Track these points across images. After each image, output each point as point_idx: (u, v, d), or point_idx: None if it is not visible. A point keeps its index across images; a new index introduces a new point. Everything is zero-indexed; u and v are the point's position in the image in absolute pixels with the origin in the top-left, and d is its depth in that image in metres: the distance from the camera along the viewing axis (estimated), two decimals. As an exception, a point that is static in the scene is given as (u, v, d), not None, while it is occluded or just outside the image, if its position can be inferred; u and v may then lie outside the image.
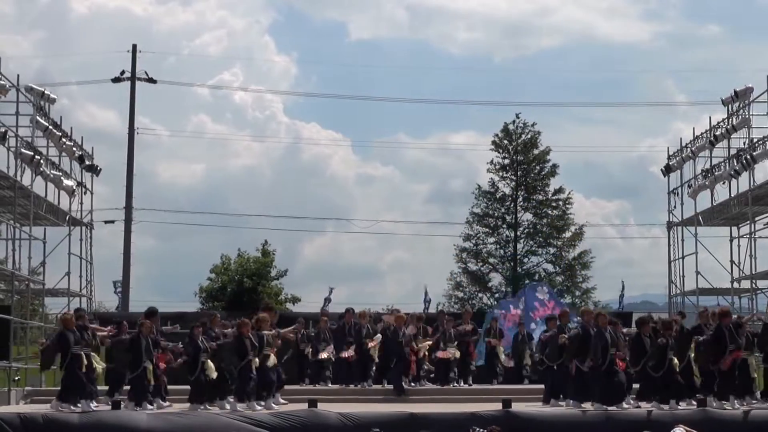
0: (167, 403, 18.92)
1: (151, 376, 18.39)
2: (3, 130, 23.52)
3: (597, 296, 46.28)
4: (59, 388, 18.33)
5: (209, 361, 18.44)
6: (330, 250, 77.90)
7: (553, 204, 46.20)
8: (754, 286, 27.77)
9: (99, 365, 18.94)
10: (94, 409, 17.63)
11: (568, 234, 46.07)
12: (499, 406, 17.84)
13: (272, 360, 18.82)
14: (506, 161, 46.39)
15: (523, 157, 46.23)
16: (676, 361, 18.53)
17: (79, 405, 17.62)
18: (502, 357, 24.47)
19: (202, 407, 18.12)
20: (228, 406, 18.16)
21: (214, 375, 18.35)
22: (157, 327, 19.33)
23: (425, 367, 22.61)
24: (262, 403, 18.21)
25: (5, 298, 28.32)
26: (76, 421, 16.68)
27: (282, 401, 19.00)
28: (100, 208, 37.11)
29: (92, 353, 18.70)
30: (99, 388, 19.11)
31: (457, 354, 22.86)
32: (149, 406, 18.09)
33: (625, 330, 19.86)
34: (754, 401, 18.67)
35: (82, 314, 19.60)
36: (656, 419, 16.92)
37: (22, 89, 25.40)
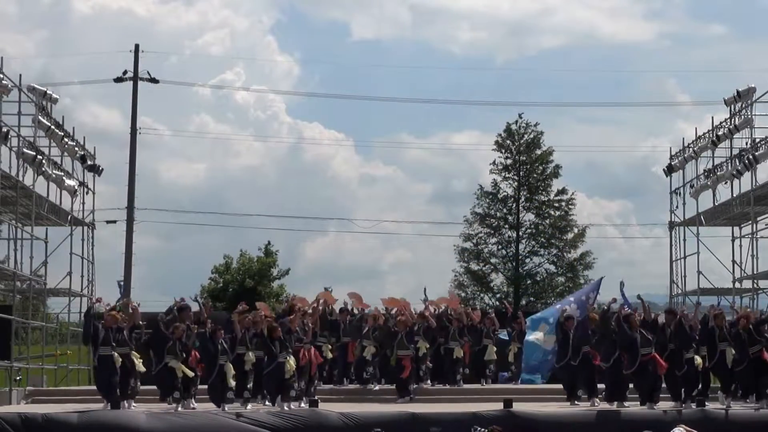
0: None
1: (178, 374, 18.11)
2: (5, 129, 23.51)
3: (598, 296, 46.19)
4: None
5: (229, 363, 18.30)
6: (332, 249, 77.75)
7: (556, 205, 46.15)
8: (755, 286, 27.77)
9: (140, 365, 18.76)
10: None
11: (570, 235, 46.02)
12: (500, 405, 17.84)
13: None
14: (509, 161, 46.34)
15: (525, 157, 46.16)
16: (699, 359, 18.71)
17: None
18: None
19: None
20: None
21: (231, 383, 18.24)
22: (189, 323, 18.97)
23: (424, 367, 22.31)
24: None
25: (7, 298, 28.32)
26: (76, 421, 16.67)
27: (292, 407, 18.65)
28: (102, 208, 37.09)
29: (133, 353, 18.60)
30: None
31: (461, 353, 22.68)
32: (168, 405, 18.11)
33: None
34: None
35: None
36: (657, 419, 16.91)
37: (24, 89, 25.40)
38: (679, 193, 31.08)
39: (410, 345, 21.00)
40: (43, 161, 25.80)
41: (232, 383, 18.15)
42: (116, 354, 18.08)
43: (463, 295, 45.86)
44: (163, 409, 17.84)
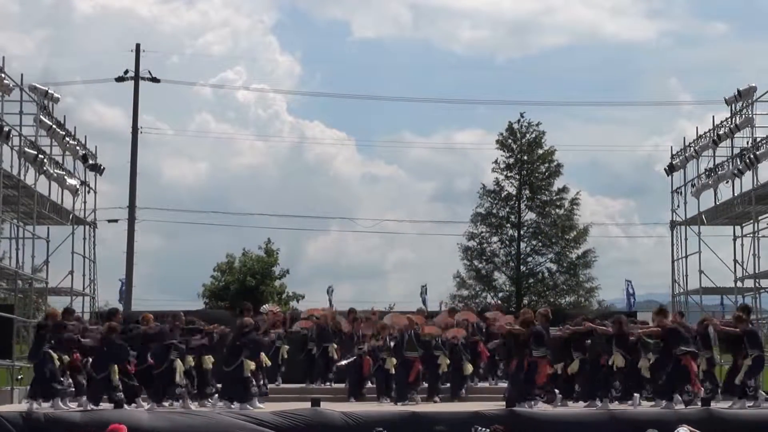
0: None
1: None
2: (7, 129, 23.54)
3: (601, 295, 46.29)
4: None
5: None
6: (334, 249, 77.98)
7: (557, 204, 46.17)
8: (757, 285, 27.77)
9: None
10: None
11: (573, 234, 46.02)
12: (502, 405, 17.83)
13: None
14: (510, 160, 46.37)
15: (527, 156, 46.20)
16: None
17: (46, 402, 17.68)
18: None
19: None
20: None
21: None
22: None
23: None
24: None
25: (8, 297, 28.34)
26: (79, 420, 16.67)
27: (260, 406, 18.58)
28: (104, 207, 37.18)
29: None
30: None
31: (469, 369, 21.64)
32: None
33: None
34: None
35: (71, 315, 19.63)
36: (660, 418, 16.86)
37: (25, 88, 25.43)
38: (681, 193, 31.10)
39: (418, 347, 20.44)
40: (45, 160, 25.83)
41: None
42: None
43: (466, 293, 45.95)
44: (167, 408, 17.87)
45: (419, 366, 20.36)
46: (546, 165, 46.13)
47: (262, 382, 19.67)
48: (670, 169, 31.64)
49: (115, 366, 17.74)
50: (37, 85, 26.66)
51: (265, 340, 19.94)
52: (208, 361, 19.15)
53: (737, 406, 18.12)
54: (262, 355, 19.63)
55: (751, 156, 26.68)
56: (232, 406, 18.06)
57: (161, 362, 18.25)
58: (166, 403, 18.15)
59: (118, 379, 17.72)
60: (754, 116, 27.82)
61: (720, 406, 18.26)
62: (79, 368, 18.65)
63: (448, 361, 20.89)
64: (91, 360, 18.38)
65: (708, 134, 29.41)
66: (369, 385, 21.70)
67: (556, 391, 19.47)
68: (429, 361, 20.67)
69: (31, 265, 25.93)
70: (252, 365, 18.65)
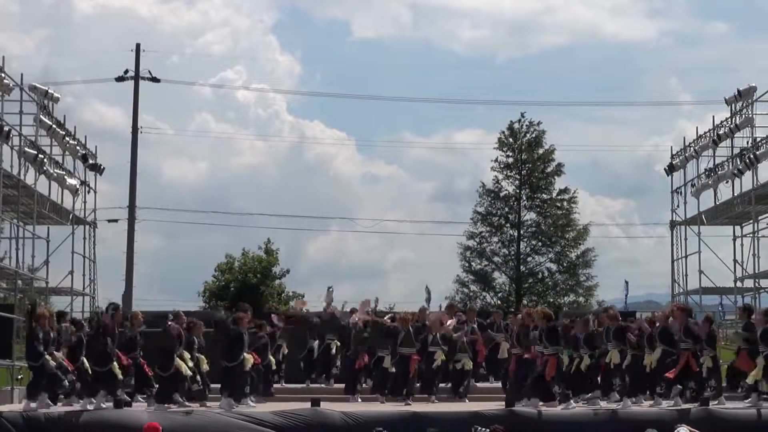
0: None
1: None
2: (7, 129, 23.53)
3: (601, 295, 46.34)
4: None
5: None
6: (334, 249, 78.08)
7: (557, 204, 46.21)
8: (757, 285, 27.78)
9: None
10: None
11: (572, 234, 46.07)
12: (502, 405, 17.83)
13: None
14: (510, 160, 46.40)
15: (527, 156, 46.23)
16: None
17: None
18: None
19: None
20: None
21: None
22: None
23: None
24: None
25: (8, 297, 28.33)
26: (78, 420, 16.69)
27: (252, 404, 18.63)
28: (104, 207, 37.19)
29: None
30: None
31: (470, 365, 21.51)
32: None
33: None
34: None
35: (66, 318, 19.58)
36: (659, 418, 16.87)
37: (25, 88, 25.42)
38: (681, 193, 31.11)
39: (416, 343, 20.41)
40: (45, 160, 25.83)
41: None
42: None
43: (465, 291, 46.00)
44: (166, 408, 17.87)
45: (417, 359, 20.38)
46: (545, 164, 46.17)
47: (260, 383, 19.61)
48: (670, 169, 31.64)
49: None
50: (37, 85, 26.65)
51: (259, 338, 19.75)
52: (203, 361, 19.21)
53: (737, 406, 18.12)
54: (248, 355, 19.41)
55: (751, 156, 26.69)
56: (233, 406, 18.07)
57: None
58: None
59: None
60: (754, 116, 27.84)
61: (720, 406, 18.27)
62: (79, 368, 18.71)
63: (445, 357, 20.86)
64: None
65: (708, 134, 29.41)
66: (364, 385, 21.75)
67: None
68: (425, 358, 20.65)
69: (31, 265, 25.93)
70: (251, 361, 18.62)
